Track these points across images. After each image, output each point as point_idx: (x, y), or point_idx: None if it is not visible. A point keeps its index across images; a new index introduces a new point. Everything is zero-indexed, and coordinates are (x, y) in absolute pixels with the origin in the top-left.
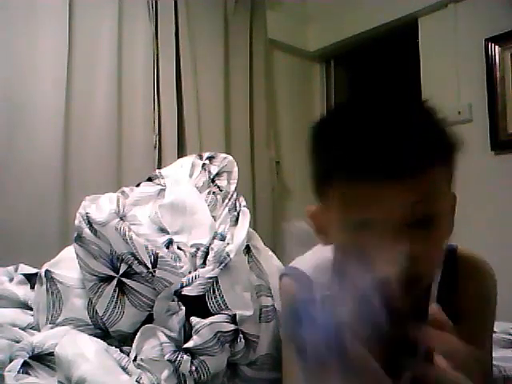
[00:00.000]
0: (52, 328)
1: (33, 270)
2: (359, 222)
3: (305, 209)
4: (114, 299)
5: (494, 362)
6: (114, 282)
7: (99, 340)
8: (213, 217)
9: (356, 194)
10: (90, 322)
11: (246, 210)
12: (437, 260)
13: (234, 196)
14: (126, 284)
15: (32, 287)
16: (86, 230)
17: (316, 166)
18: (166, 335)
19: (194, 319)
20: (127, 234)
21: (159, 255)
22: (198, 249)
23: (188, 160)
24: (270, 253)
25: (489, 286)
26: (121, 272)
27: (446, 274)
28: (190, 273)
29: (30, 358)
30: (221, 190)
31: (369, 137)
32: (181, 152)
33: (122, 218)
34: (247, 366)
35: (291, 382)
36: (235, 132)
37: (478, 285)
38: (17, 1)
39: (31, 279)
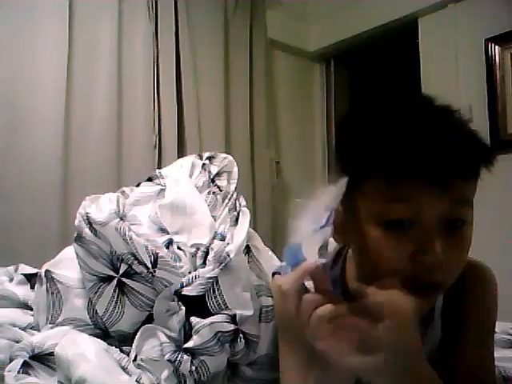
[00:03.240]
0: (52, 328)
1: (33, 270)
2: (397, 221)
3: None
4: (114, 299)
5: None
6: (114, 282)
7: (99, 340)
8: (213, 217)
9: (398, 193)
10: (90, 321)
11: (246, 210)
12: (463, 263)
13: (234, 196)
14: (126, 284)
15: (32, 287)
16: (86, 230)
17: (351, 160)
18: (166, 335)
19: (194, 319)
20: (127, 233)
21: (159, 255)
22: (198, 249)
23: (188, 160)
24: (270, 253)
25: (491, 292)
26: (121, 272)
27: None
28: (190, 273)
29: (30, 358)
30: (221, 190)
31: (419, 136)
32: (181, 152)
33: (122, 218)
34: (247, 366)
35: (288, 377)
36: (235, 132)
37: (481, 290)
38: (17, 1)
39: (31, 279)
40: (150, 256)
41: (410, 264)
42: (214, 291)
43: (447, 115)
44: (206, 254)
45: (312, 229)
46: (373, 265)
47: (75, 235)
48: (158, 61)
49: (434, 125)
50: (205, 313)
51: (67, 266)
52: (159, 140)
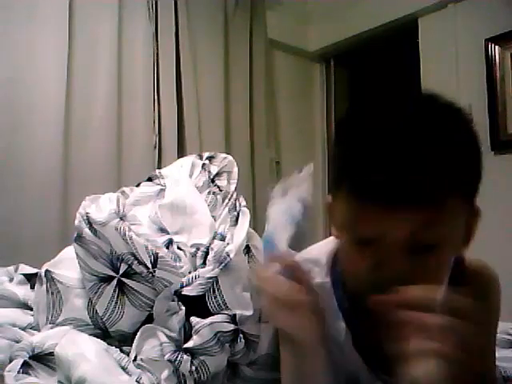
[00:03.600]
0: (52, 328)
1: (33, 270)
2: (360, 238)
3: (325, 198)
4: (114, 299)
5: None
6: (114, 281)
7: (99, 340)
8: (213, 217)
9: (362, 212)
10: (90, 321)
11: (246, 210)
12: (435, 283)
13: (234, 196)
14: (126, 284)
15: (32, 287)
16: (86, 230)
17: (333, 170)
18: (166, 335)
19: (193, 319)
20: (127, 233)
21: (159, 255)
22: (197, 249)
23: (188, 160)
24: None
25: (494, 293)
26: (121, 272)
27: (455, 282)
28: (189, 273)
29: (30, 358)
30: (221, 190)
31: (384, 157)
32: (181, 152)
33: (121, 218)
34: (247, 366)
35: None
36: (235, 132)
37: (483, 291)
38: (17, 1)
39: (31, 279)
40: (150, 256)
41: (369, 276)
42: (213, 291)
43: (426, 134)
44: (206, 254)
45: (285, 219)
46: (344, 269)
47: (75, 235)
48: (157, 61)
49: (401, 145)
50: (205, 313)
51: (67, 266)
52: (159, 140)
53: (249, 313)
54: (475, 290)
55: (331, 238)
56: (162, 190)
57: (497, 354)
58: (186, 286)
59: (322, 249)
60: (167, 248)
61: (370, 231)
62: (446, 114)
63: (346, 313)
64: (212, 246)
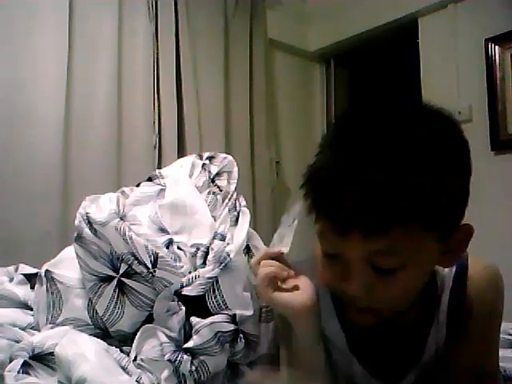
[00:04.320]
0: (52, 328)
1: (33, 270)
2: (327, 253)
3: None
4: (114, 299)
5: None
6: (114, 282)
7: (99, 340)
8: (213, 217)
9: (325, 229)
10: (90, 321)
11: (246, 210)
12: (400, 299)
13: (234, 196)
14: (126, 284)
15: (32, 287)
16: (86, 230)
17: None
18: (166, 335)
19: (194, 319)
20: (127, 233)
21: (159, 255)
22: (198, 249)
23: (188, 160)
24: None
25: (497, 293)
26: (121, 272)
27: (458, 281)
28: (190, 273)
29: (30, 358)
30: (221, 190)
31: (334, 180)
32: (181, 152)
33: (122, 218)
34: (247, 366)
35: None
36: (235, 132)
37: (487, 291)
38: (17, 1)
39: (31, 279)
40: (149, 256)
41: (339, 289)
42: (213, 291)
43: (379, 160)
44: (206, 254)
45: (281, 230)
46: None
47: (75, 235)
48: (158, 61)
49: (351, 171)
50: (205, 313)
51: (67, 266)
52: (159, 140)
53: (249, 313)
54: (477, 289)
55: None
56: (162, 190)
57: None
58: (186, 286)
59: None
60: (167, 248)
61: (331, 249)
62: (430, 134)
63: (343, 320)
64: (212, 246)
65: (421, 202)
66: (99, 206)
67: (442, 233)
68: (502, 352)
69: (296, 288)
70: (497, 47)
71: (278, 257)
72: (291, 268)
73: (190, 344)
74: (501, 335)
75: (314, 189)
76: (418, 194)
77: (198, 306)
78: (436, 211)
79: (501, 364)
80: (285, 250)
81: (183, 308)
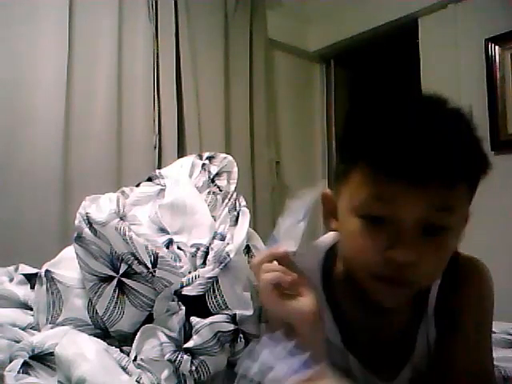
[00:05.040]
0: (52, 328)
1: (33, 270)
2: (375, 216)
3: (322, 192)
4: (114, 299)
5: (494, 363)
6: (114, 281)
7: (99, 340)
8: (213, 217)
9: (380, 189)
10: (89, 321)
11: (246, 210)
12: (439, 268)
13: (234, 196)
14: (126, 284)
15: (32, 287)
16: (86, 230)
17: (346, 149)
18: (166, 335)
19: (193, 319)
20: (127, 233)
21: (159, 255)
22: (198, 249)
23: (188, 160)
24: None
25: (486, 289)
26: (121, 272)
27: (447, 276)
28: (189, 273)
29: (30, 357)
30: (221, 190)
31: (408, 136)
32: (181, 152)
33: (122, 218)
34: None
35: None
36: (235, 132)
37: (476, 287)
38: (17, 1)
39: (31, 279)
40: (149, 256)
41: (380, 258)
42: (213, 291)
43: (445, 120)
44: (206, 253)
45: (290, 223)
46: (349, 254)
47: (75, 235)
48: (158, 61)
49: (424, 126)
50: (205, 313)
51: (67, 266)
52: (159, 140)
53: (249, 313)
54: (465, 286)
55: (325, 236)
56: (162, 190)
57: (497, 354)
58: (186, 285)
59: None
60: (167, 248)
61: (388, 209)
62: (459, 113)
63: (336, 313)
64: (212, 245)
65: (477, 162)
66: (99, 206)
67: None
68: (502, 352)
69: (301, 293)
70: (497, 47)
71: (284, 258)
72: (295, 269)
73: (189, 344)
74: (501, 335)
75: (385, 152)
76: (475, 155)
77: (197, 305)
78: (479, 170)
79: (501, 364)
80: (291, 248)
81: (183, 308)
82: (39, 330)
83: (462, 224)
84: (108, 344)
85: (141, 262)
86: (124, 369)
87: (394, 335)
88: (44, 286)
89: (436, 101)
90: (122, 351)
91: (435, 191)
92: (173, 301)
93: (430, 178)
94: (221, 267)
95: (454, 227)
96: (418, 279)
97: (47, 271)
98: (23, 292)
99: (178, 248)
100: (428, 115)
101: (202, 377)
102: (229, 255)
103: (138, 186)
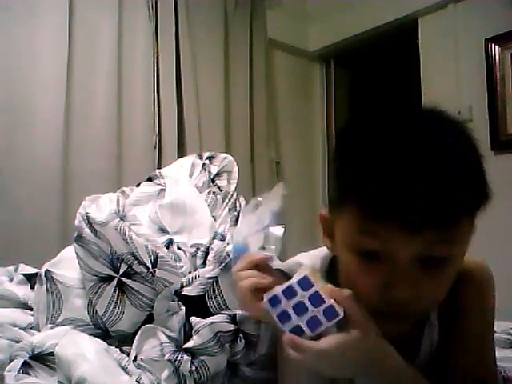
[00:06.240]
0: (52, 328)
1: (33, 270)
2: (371, 252)
3: (318, 212)
4: (114, 299)
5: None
6: (114, 281)
7: (99, 340)
8: (213, 217)
9: (373, 229)
10: (90, 321)
11: None
12: (441, 296)
13: (234, 196)
14: (126, 284)
15: (32, 287)
16: (86, 230)
17: (340, 182)
18: (166, 335)
19: (194, 319)
20: (127, 233)
21: (159, 255)
22: (198, 249)
23: (188, 160)
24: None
25: (489, 291)
26: (121, 272)
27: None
28: (190, 273)
29: (30, 357)
30: (221, 190)
31: (401, 177)
32: (181, 152)
33: (122, 218)
34: (247, 366)
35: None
36: (235, 132)
37: (479, 290)
38: (17, 1)
39: (31, 279)
40: (149, 256)
41: (379, 296)
42: (214, 291)
43: (443, 153)
44: (206, 254)
45: (256, 228)
46: (348, 286)
47: (75, 235)
48: (158, 61)
49: (417, 165)
50: (205, 313)
51: (67, 266)
52: (159, 140)
53: None
54: (468, 288)
55: (323, 248)
56: (162, 190)
57: (497, 354)
58: (186, 286)
59: (311, 257)
60: (167, 248)
61: (383, 246)
62: (456, 133)
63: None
64: (212, 246)
65: (476, 192)
66: (99, 206)
67: (474, 222)
68: (501, 352)
69: None
70: (497, 47)
71: (263, 262)
72: (274, 273)
73: (189, 344)
74: (501, 335)
75: (380, 192)
76: (476, 188)
77: (198, 306)
78: (480, 201)
79: (501, 364)
80: (270, 253)
81: (183, 308)
82: (39, 330)
83: (465, 245)
84: (108, 344)
85: (141, 262)
86: (124, 369)
87: (399, 340)
88: (44, 286)
89: (432, 127)
90: (122, 351)
91: (431, 232)
92: (173, 301)
93: (424, 224)
94: (221, 267)
95: (455, 255)
96: (419, 311)
97: (47, 271)
98: (23, 292)
99: (178, 248)
100: (423, 150)
101: (202, 377)
102: (229, 255)
103: (138, 186)
